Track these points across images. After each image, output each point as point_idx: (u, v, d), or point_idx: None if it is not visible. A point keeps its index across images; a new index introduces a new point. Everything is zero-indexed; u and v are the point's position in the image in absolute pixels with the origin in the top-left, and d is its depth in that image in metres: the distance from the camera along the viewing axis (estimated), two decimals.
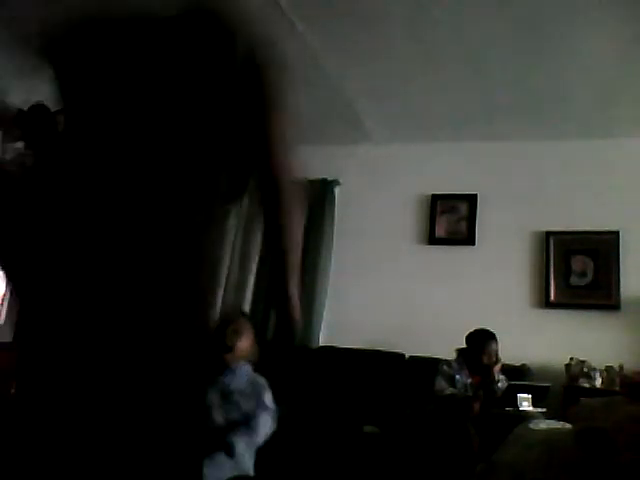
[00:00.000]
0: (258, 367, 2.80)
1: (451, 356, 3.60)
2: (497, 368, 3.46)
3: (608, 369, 3.77)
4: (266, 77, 1.08)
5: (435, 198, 4.70)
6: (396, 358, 4.20)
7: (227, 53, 1.05)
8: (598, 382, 3.73)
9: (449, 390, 3.41)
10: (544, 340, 4.04)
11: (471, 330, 3.57)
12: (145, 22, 1.12)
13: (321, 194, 4.86)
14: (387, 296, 4.51)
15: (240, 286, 4.72)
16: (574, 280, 4.24)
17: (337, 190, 4.92)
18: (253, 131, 1.07)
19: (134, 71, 1.08)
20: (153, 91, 1.07)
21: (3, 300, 3.30)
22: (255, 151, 1.09)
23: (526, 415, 2.94)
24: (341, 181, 4.92)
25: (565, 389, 3.72)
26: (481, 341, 3.49)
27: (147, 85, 1.08)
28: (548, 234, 4.35)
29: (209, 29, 1.06)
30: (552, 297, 4.24)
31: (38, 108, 3.67)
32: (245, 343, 2.75)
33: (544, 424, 2.36)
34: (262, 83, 1.08)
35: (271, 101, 1.08)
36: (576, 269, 4.25)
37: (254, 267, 4.77)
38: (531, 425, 2.34)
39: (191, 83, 1.07)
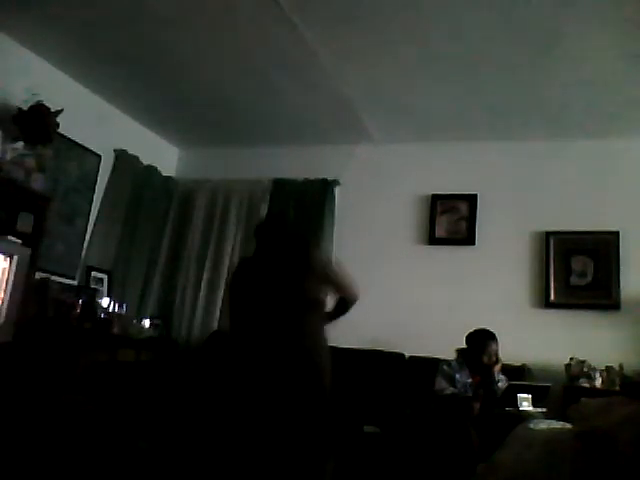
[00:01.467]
0: None
1: (451, 356, 3.60)
2: (497, 368, 3.46)
3: (608, 369, 3.77)
4: (328, 268, 2.82)
5: (435, 198, 4.70)
6: (396, 358, 4.20)
7: (309, 261, 2.69)
8: (598, 382, 3.74)
9: (449, 390, 3.41)
10: (544, 340, 4.05)
11: (471, 330, 3.57)
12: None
13: (321, 194, 4.85)
14: (387, 296, 4.51)
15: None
16: (574, 280, 4.24)
17: (337, 190, 4.92)
18: (330, 282, 2.77)
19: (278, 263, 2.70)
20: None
21: (3, 300, 3.30)
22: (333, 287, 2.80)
23: (526, 415, 2.94)
24: (341, 181, 4.92)
25: (565, 389, 3.72)
26: (481, 341, 3.49)
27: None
28: (548, 234, 4.35)
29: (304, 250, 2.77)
30: (552, 297, 4.24)
31: (38, 108, 3.66)
32: None
33: (544, 424, 2.36)
34: (326, 271, 2.77)
35: (331, 273, 2.80)
36: (576, 269, 4.25)
37: None
38: (531, 425, 2.34)
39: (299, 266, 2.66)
